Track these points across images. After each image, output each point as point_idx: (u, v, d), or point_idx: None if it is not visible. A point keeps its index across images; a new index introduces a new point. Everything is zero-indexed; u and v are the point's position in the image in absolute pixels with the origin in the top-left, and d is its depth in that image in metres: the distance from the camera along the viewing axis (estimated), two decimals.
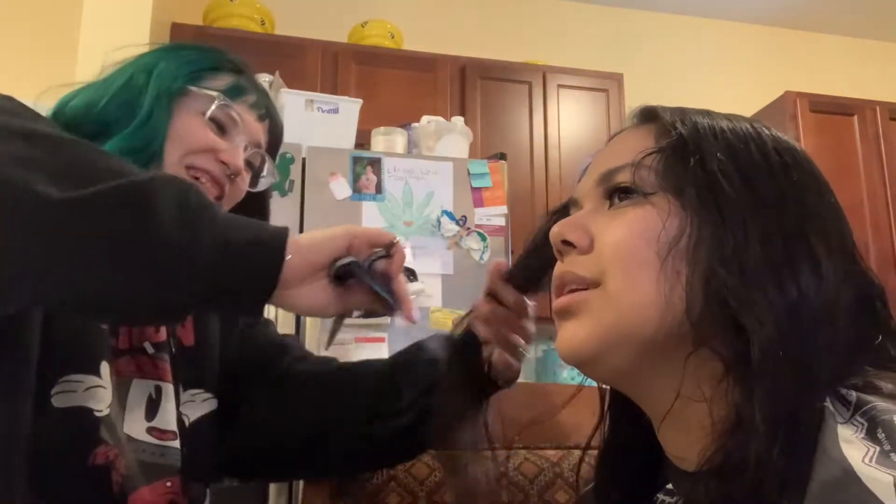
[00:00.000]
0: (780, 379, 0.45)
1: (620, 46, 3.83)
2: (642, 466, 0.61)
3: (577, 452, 0.98)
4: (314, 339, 2.06)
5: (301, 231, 2.17)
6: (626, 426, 0.62)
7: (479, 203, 2.34)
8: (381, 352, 2.14)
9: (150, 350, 0.82)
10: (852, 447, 0.41)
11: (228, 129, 0.86)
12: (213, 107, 0.84)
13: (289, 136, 2.40)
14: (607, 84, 3.35)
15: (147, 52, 0.89)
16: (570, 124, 3.25)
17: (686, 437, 0.51)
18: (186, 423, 0.84)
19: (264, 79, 2.43)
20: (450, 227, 2.28)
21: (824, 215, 0.53)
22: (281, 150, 2.51)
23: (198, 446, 0.84)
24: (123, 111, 0.81)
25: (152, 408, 0.80)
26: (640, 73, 3.56)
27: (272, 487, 1.97)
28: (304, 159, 2.24)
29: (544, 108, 3.24)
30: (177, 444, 0.81)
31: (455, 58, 3.20)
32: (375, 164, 2.29)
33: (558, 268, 0.58)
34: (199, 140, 0.83)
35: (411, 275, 2.58)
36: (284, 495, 1.97)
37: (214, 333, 0.91)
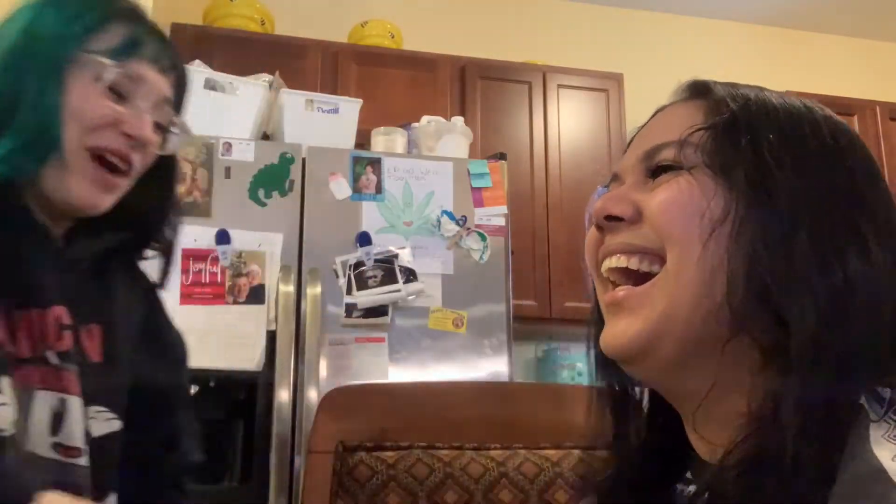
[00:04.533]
0: (820, 370, 0.44)
1: (620, 46, 3.83)
2: (661, 457, 0.59)
3: (577, 452, 0.98)
4: (314, 339, 2.06)
5: (301, 231, 2.17)
6: (644, 421, 0.61)
7: (479, 203, 2.34)
8: (381, 352, 2.14)
9: (54, 360, 0.74)
10: (882, 445, 0.40)
11: (129, 93, 0.77)
12: (107, 74, 0.76)
13: (289, 137, 2.42)
14: (607, 84, 3.35)
15: (20, 12, 0.77)
16: (570, 124, 3.25)
17: (717, 428, 0.50)
18: (88, 440, 0.77)
19: (264, 79, 2.43)
20: (450, 227, 2.28)
21: (876, 202, 0.50)
22: (281, 150, 2.49)
23: (101, 464, 0.78)
24: (9, 100, 0.72)
25: (57, 422, 0.74)
26: (640, 73, 3.56)
27: (272, 487, 1.97)
28: (304, 159, 2.24)
29: (544, 108, 3.24)
30: (84, 461, 0.75)
31: (455, 58, 3.20)
32: (375, 164, 2.29)
33: (598, 240, 0.56)
34: (99, 114, 0.75)
35: (411, 275, 2.59)
36: (284, 495, 1.97)
37: (124, 355, 0.83)
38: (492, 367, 2.21)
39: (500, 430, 0.98)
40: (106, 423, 0.80)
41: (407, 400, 1.02)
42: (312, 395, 2.02)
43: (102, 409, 0.80)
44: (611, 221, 0.54)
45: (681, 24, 3.99)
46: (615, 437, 0.61)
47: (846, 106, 3.49)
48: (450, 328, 2.21)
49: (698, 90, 0.57)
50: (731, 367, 0.49)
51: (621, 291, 0.53)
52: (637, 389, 0.61)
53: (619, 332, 0.53)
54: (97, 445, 0.78)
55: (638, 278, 0.53)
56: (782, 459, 0.43)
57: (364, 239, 2.20)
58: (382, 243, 2.22)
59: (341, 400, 0.99)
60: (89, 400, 0.78)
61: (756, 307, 0.47)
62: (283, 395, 2.03)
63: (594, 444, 0.64)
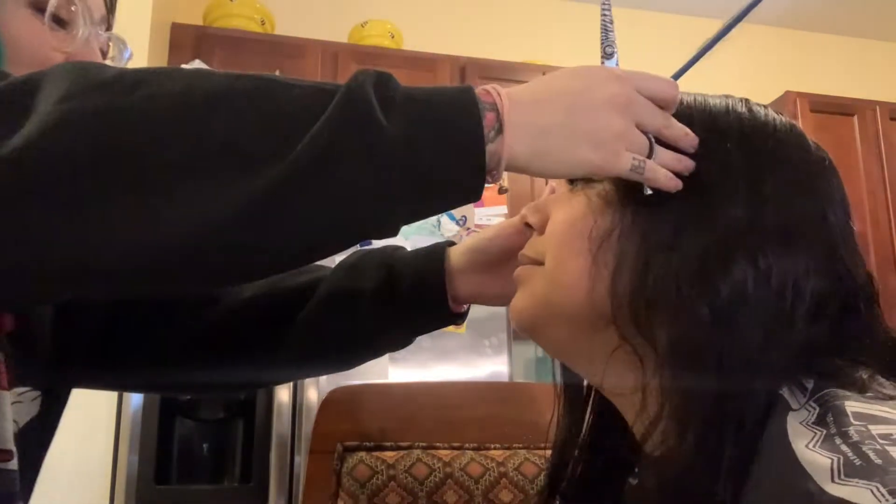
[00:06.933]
0: (695, 376, 0.44)
1: (620, 46, 3.81)
2: (615, 452, 0.60)
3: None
4: None
5: None
6: (593, 417, 0.62)
7: (479, 203, 2.34)
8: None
9: None
10: (799, 433, 0.40)
11: (70, 18, 0.67)
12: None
13: None
14: None
15: None
16: None
17: (641, 422, 0.51)
18: (15, 431, 0.62)
19: None
20: (450, 227, 2.28)
21: (790, 205, 0.49)
22: None
23: (25, 460, 0.63)
24: None
25: None
26: None
27: (272, 488, 1.97)
28: None
29: None
30: (14, 464, 0.60)
31: (455, 58, 3.20)
32: None
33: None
34: (45, 48, 0.65)
35: None
36: (284, 495, 1.98)
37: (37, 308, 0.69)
38: (492, 367, 2.21)
39: (500, 430, 0.98)
40: (32, 403, 0.67)
41: (407, 400, 1.02)
42: (312, 395, 2.02)
43: (25, 388, 0.66)
44: (528, 227, 0.59)
45: (681, 24, 4.00)
46: (572, 433, 0.62)
47: (846, 106, 3.49)
48: (450, 328, 2.20)
49: None
50: (623, 370, 0.50)
51: (519, 269, 0.58)
52: (586, 385, 0.63)
53: (513, 303, 0.58)
54: (22, 438, 0.64)
55: None
56: (673, 460, 0.43)
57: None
58: (382, 243, 2.21)
59: (341, 400, 0.99)
60: (10, 382, 0.63)
61: (636, 318, 0.48)
62: (283, 395, 2.03)
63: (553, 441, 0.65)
